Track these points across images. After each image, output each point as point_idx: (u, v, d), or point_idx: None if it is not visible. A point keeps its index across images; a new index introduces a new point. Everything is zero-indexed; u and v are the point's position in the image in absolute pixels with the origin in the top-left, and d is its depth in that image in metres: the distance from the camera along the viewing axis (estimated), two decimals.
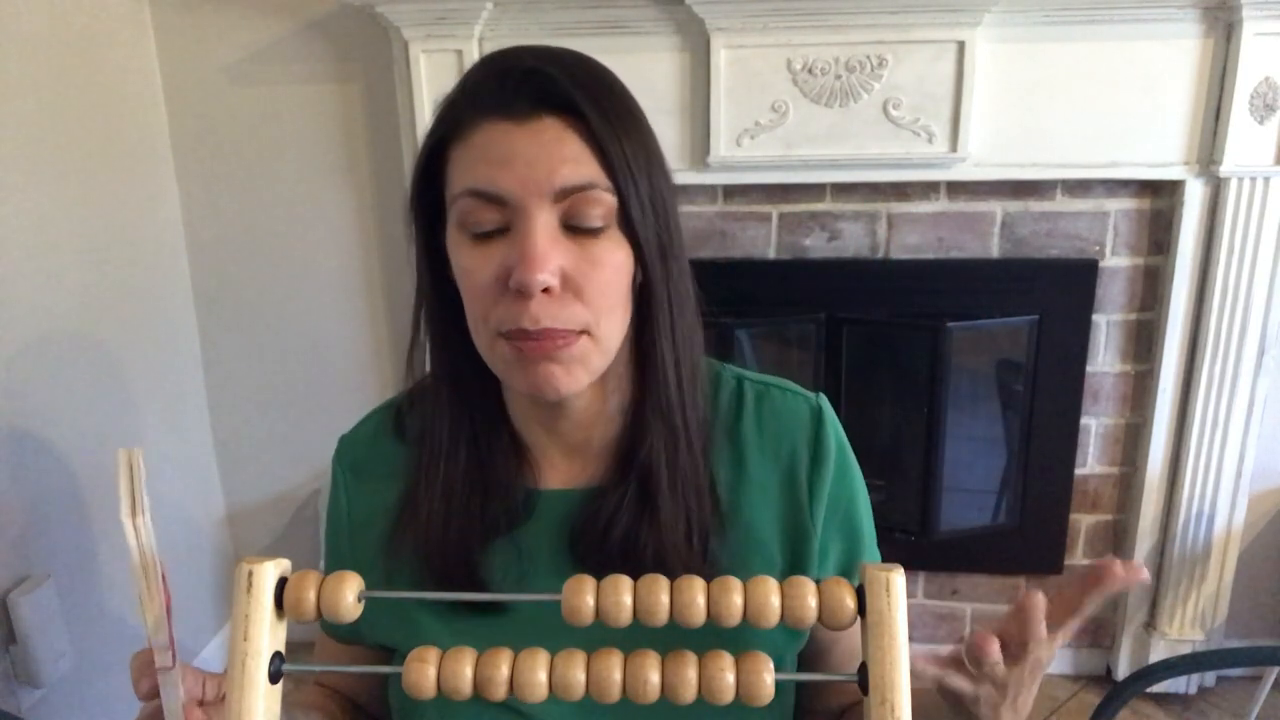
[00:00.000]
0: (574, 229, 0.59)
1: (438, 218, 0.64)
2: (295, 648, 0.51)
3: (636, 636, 0.60)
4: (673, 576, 0.63)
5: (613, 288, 0.60)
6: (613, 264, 0.60)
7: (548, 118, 0.59)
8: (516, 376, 0.62)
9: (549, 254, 0.57)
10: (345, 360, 2.05)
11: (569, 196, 0.58)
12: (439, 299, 0.66)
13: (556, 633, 0.67)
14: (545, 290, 0.58)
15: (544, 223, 0.58)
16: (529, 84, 0.59)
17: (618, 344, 0.64)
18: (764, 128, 1.70)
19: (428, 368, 0.71)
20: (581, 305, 0.59)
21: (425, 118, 1.71)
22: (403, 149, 1.81)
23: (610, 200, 0.59)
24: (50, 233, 1.60)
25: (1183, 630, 1.91)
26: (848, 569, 0.71)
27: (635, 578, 0.64)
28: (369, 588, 0.73)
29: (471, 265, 0.60)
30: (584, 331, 0.60)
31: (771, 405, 0.72)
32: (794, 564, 0.70)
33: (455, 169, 0.61)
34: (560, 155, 0.58)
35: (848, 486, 0.72)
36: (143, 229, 1.87)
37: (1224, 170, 1.64)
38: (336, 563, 0.77)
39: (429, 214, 0.65)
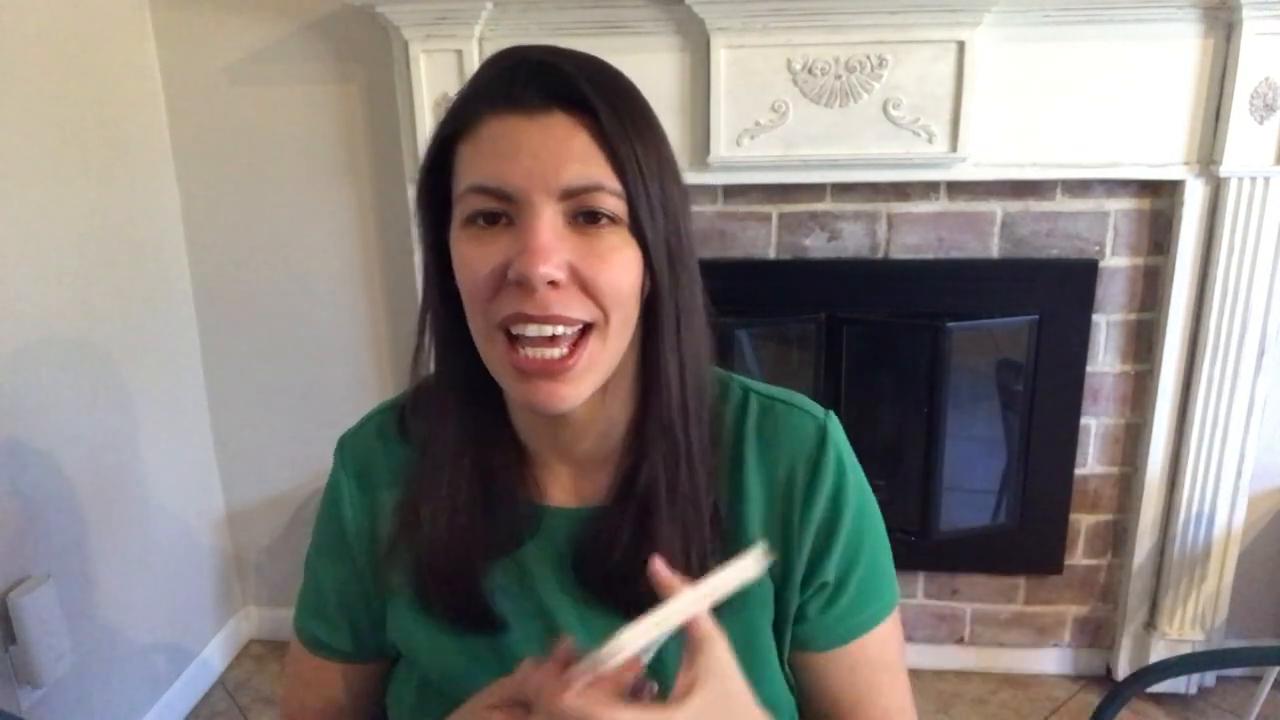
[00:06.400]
0: (580, 225, 0.58)
1: (445, 216, 0.62)
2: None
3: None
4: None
5: (623, 283, 0.59)
6: (621, 259, 0.58)
7: (558, 113, 0.57)
8: (513, 382, 0.60)
9: (553, 247, 0.56)
10: (345, 360, 2.05)
11: (575, 196, 0.57)
12: (445, 301, 0.64)
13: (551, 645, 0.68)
14: (552, 284, 0.56)
15: (549, 218, 0.56)
16: (540, 77, 0.58)
17: (624, 344, 0.62)
18: (764, 128, 1.70)
19: (430, 370, 0.69)
20: (590, 299, 0.58)
21: (425, 118, 1.71)
22: (403, 149, 1.81)
23: (618, 202, 0.58)
24: (50, 233, 1.60)
25: (1183, 630, 1.91)
26: (837, 598, 0.68)
27: (635, 600, 0.63)
28: (367, 594, 0.73)
29: (473, 257, 0.58)
30: (591, 325, 0.59)
31: (775, 421, 0.69)
32: (782, 589, 0.68)
33: (462, 165, 0.60)
34: (569, 152, 0.57)
35: (845, 511, 0.67)
36: (143, 229, 1.87)
37: (1224, 170, 1.64)
38: (337, 566, 0.76)
39: (437, 213, 0.63)
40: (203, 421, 2.10)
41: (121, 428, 1.80)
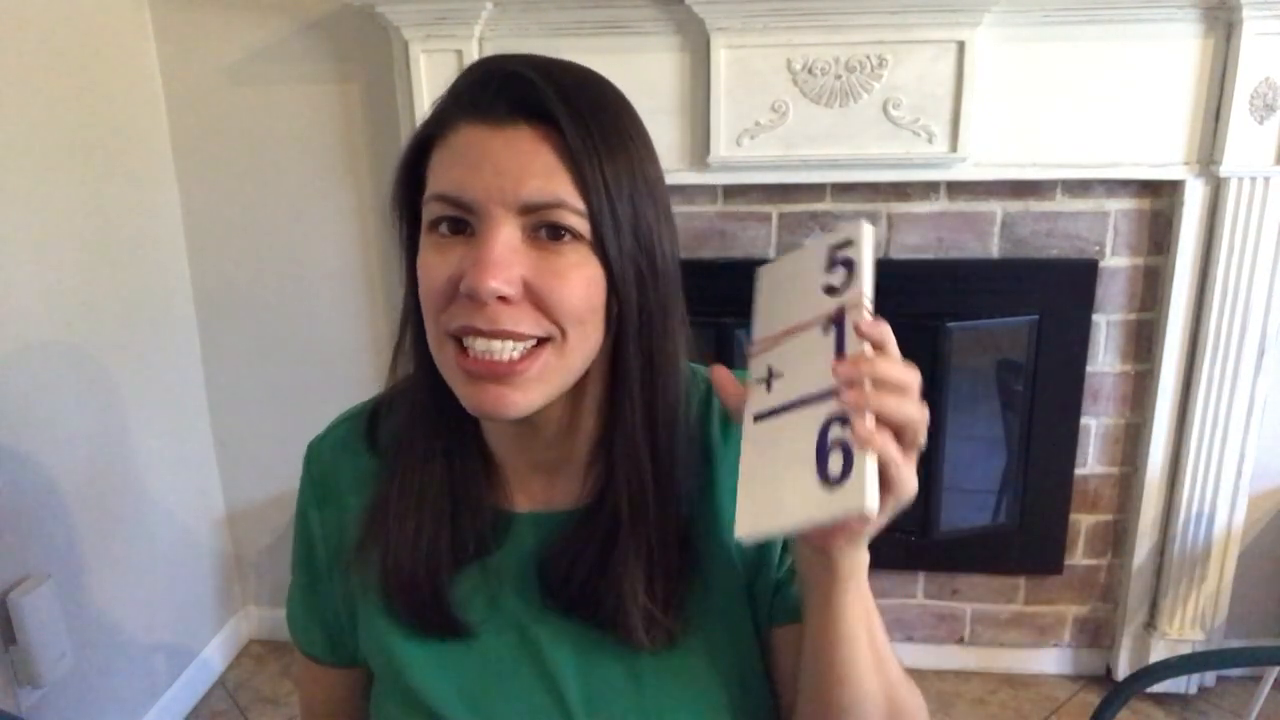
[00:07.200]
0: (542, 241, 0.57)
1: (418, 216, 0.62)
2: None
3: (604, 672, 0.60)
4: (629, 626, 0.63)
5: (579, 300, 0.57)
6: (579, 277, 0.57)
7: (525, 126, 0.56)
8: (462, 385, 0.59)
9: (505, 262, 0.55)
10: (345, 360, 2.05)
11: (535, 211, 0.56)
12: (418, 299, 0.64)
13: (525, 654, 0.67)
14: (503, 300, 0.55)
15: (506, 232, 0.55)
16: (509, 88, 0.57)
17: (584, 359, 0.61)
18: (764, 128, 1.70)
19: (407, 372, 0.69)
20: (544, 315, 0.57)
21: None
22: (402, 149, 1.81)
23: (580, 220, 0.56)
24: (50, 233, 1.60)
25: (1183, 630, 1.91)
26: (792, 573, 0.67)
27: (598, 619, 0.64)
28: (337, 601, 0.73)
29: (430, 264, 0.58)
30: (546, 339, 0.58)
31: None
32: (755, 577, 0.68)
33: (433, 169, 0.60)
34: (531, 168, 0.55)
35: None
36: (143, 229, 1.87)
37: (1224, 170, 1.64)
38: (307, 575, 0.76)
39: (412, 212, 0.63)
40: (203, 421, 2.10)
41: (121, 428, 1.80)
